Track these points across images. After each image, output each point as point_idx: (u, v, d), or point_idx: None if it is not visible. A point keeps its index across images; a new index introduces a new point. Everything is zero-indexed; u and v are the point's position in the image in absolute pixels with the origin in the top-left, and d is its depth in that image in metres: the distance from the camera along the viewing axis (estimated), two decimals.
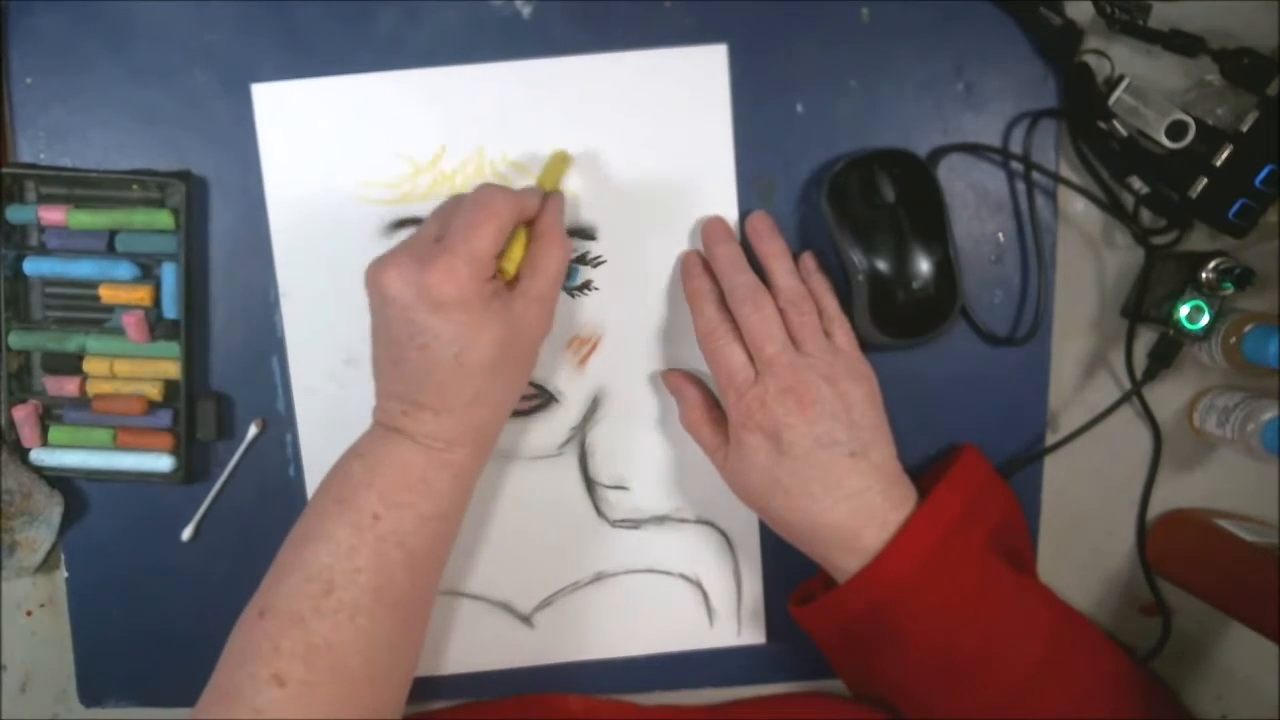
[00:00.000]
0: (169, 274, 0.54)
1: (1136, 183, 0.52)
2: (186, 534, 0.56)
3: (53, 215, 0.53)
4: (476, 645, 0.57)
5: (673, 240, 0.54)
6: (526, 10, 0.53)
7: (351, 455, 0.48)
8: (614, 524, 0.56)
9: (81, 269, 0.54)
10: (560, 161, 0.52)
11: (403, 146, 0.54)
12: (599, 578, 0.57)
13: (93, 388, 0.55)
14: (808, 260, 0.53)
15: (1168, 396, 0.56)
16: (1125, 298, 0.55)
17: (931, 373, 0.55)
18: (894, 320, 0.52)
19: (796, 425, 0.47)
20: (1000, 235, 0.54)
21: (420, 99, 0.53)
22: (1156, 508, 0.57)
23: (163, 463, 0.55)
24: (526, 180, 0.53)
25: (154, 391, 0.55)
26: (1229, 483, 0.56)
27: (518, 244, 0.48)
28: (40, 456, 0.55)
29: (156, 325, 0.55)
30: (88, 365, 0.55)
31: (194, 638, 0.56)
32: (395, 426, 0.47)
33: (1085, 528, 0.57)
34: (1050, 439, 0.56)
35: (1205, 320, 0.51)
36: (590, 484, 0.56)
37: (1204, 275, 0.50)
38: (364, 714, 0.46)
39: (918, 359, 0.55)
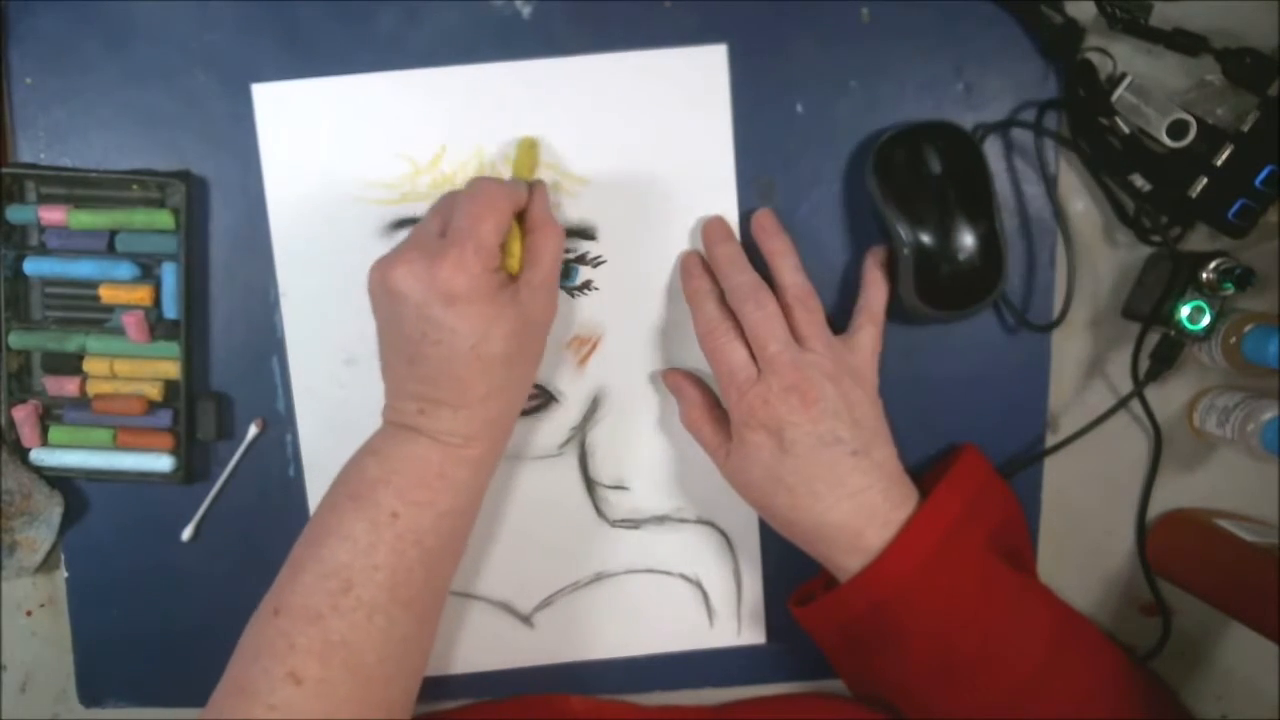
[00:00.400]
0: (169, 274, 0.54)
1: (1139, 180, 0.52)
2: (186, 534, 0.56)
3: (53, 215, 0.53)
4: (476, 645, 0.57)
5: (673, 240, 0.54)
6: (526, 10, 0.53)
7: (365, 452, 0.48)
8: (614, 524, 0.56)
9: (81, 269, 0.54)
10: (529, 149, 0.52)
11: (403, 147, 0.54)
12: (599, 578, 0.57)
13: (93, 388, 0.55)
14: (877, 255, 0.53)
15: (1168, 396, 0.55)
16: (1126, 298, 0.55)
17: (932, 373, 0.55)
18: (939, 293, 0.52)
19: (799, 423, 0.47)
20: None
21: (420, 99, 0.53)
22: (1156, 508, 0.57)
23: (163, 463, 0.55)
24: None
25: (154, 391, 0.55)
26: (1229, 483, 0.56)
27: (515, 237, 0.49)
28: (40, 456, 0.55)
29: (156, 325, 0.55)
30: (88, 365, 0.55)
31: (194, 638, 0.56)
32: (410, 425, 0.47)
33: (1085, 528, 0.57)
34: (1050, 439, 0.56)
35: (1206, 321, 0.51)
36: (590, 484, 0.56)
37: (1204, 275, 0.50)
38: (377, 711, 0.46)
39: (918, 359, 0.55)
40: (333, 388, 0.55)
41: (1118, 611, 0.58)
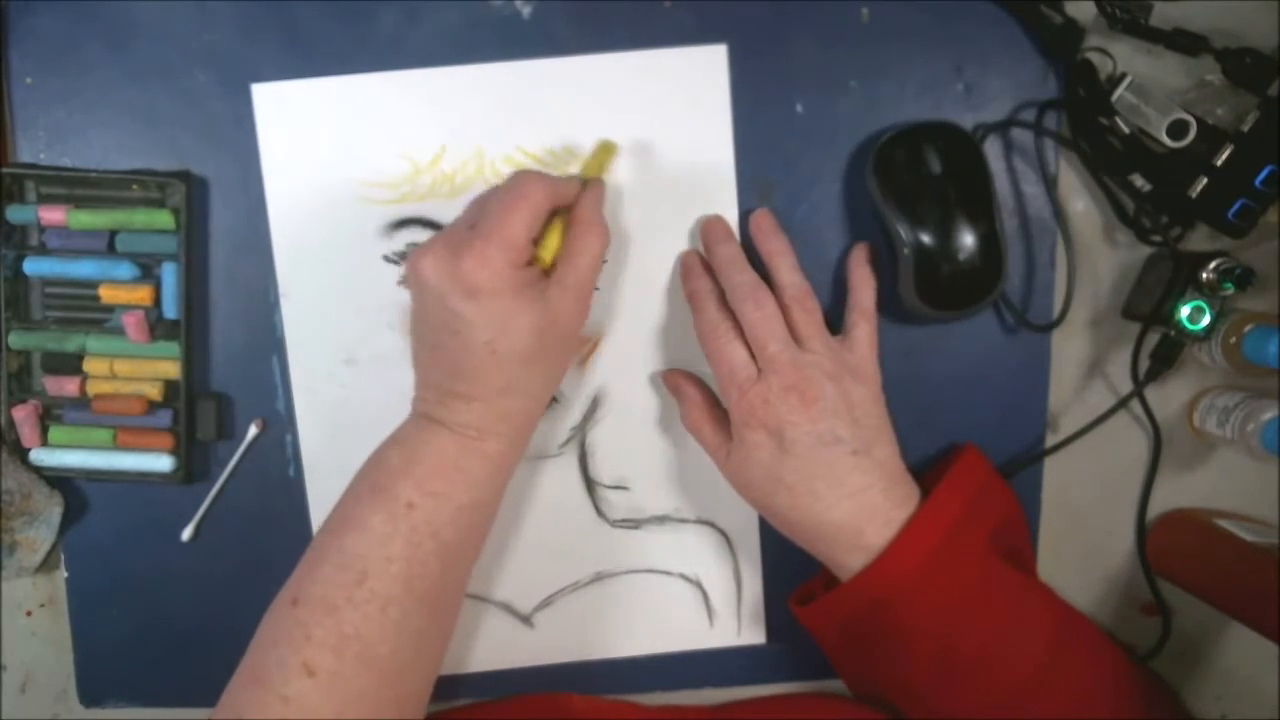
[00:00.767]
0: (169, 274, 0.54)
1: (1139, 180, 0.52)
2: (186, 534, 0.56)
3: (53, 215, 0.53)
4: (477, 645, 0.57)
5: (673, 240, 0.54)
6: (526, 10, 0.53)
7: (390, 443, 0.48)
8: (614, 524, 0.56)
9: (81, 269, 0.54)
10: (605, 151, 0.52)
11: (403, 146, 0.54)
12: (599, 578, 0.57)
13: (93, 388, 0.55)
14: (861, 251, 0.53)
15: (1168, 396, 0.55)
16: (1126, 298, 0.55)
17: (931, 373, 0.55)
18: (939, 293, 0.52)
19: (799, 423, 0.47)
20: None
21: (420, 99, 0.53)
22: (1156, 508, 0.57)
23: (163, 463, 0.55)
24: None
25: (154, 391, 0.55)
26: (1229, 483, 0.56)
27: (554, 232, 0.48)
28: (40, 456, 0.55)
29: (156, 325, 0.55)
30: (88, 365, 0.55)
31: (194, 638, 0.56)
32: (431, 415, 0.47)
33: (1085, 528, 0.57)
34: (1050, 439, 0.56)
35: (1206, 321, 0.51)
36: (590, 484, 0.56)
37: (1204, 275, 0.50)
38: (389, 706, 0.46)
39: (918, 359, 0.55)
40: (333, 388, 0.55)
41: (1118, 611, 0.58)
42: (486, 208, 0.46)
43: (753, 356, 0.49)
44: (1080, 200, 0.54)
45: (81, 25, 0.53)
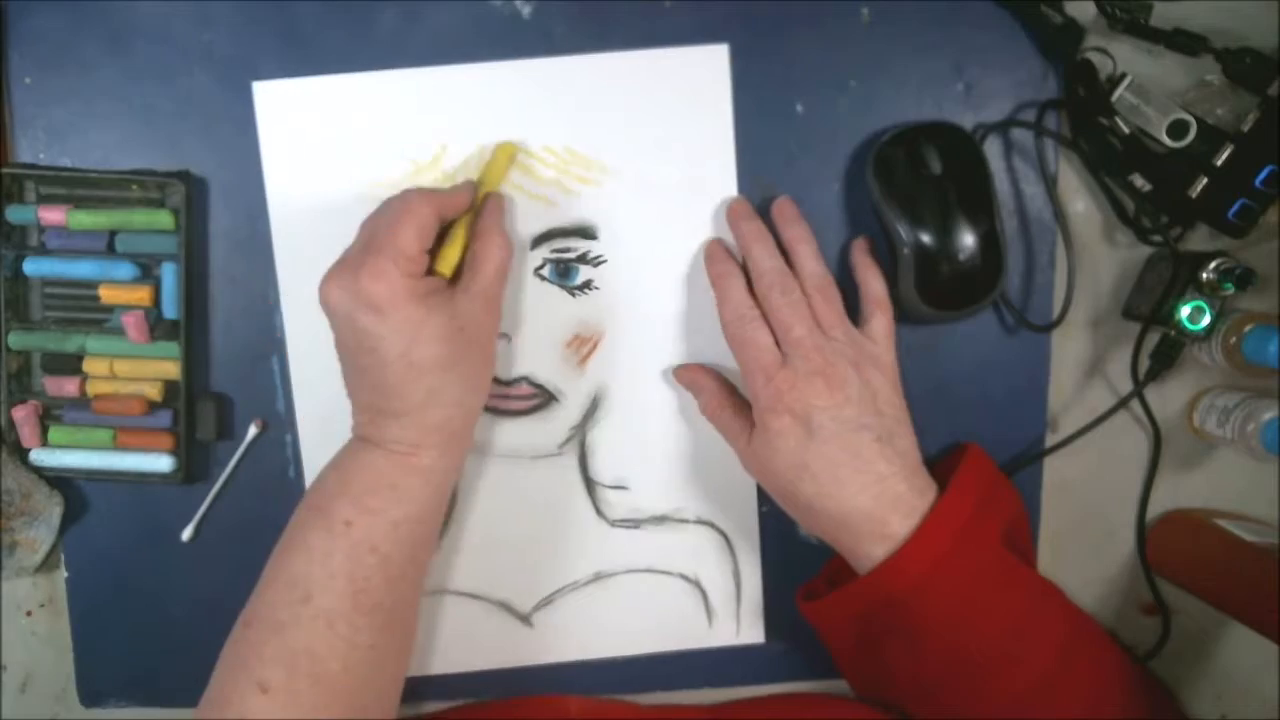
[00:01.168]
0: (169, 274, 0.54)
1: (1139, 180, 0.52)
2: (186, 534, 0.56)
3: (53, 215, 0.53)
4: (475, 645, 0.57)
5: (673, 240, 0.54)
6: (526, 10, 0.53)
7: (329, 467, 0.49)
8: (614, 524, 0.56)
9: (81, 269, 0.54)
10: (503, 157, 0.52)
11: (403, 146, 0.54)
12: (598, 577, 0.57)
13: (93, 388, 0.55)
14: (861, 244, 0.53)
15: (1168, 396, 0.55)
16: (1126, 298, 0.55)
17: (931, 372, 0.55)
18: (939, 293, 0.52)
19: (826, 408, 0.47)
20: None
21: (420, 99, 0.53)
22: (1156, 508, 0.57)
23: (163, 463, 0.55)
24: (527, 178, 0.53)
25: (154, 392, 0.55)
26: (1229, 483, 0.56)
27: (453, 244, 0.49)
28: (40, 456, 0.55)
29: (156, 325, 0.55)
30: (88, 365, 0.55)
31: (194, 638, 0.56)
32: (365, 436, 0.48)
33: (1085, 528, 0.57)
34: (1050, 439, 0.56)
35: (1206, 321, 0.51)
36: (590, 484, 0.56)
37: (1204, 275, 0.50)
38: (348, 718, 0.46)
39: (919, 359, 0.55)
40: (333, 388, 0.55)
41: (1118, 611, 0.58)
42: (376, 227, 0.47)
43: (777, 342, 0.49)
44: (1080, 200, 0.54)
45: (81, 25, 0.53)
